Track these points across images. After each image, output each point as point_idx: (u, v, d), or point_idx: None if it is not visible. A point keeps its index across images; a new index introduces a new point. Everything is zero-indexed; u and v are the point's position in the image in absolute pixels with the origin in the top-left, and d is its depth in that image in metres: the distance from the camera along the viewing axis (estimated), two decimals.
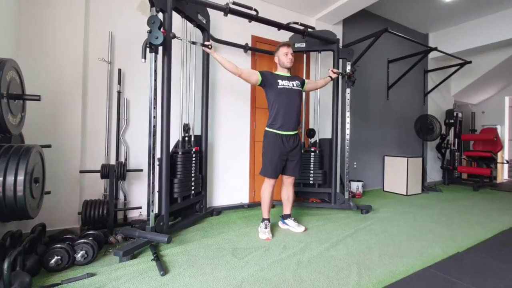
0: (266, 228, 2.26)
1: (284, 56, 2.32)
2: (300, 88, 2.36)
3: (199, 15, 2.48)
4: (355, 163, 4.26)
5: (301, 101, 2.36)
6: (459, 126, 5.41)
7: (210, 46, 2.16)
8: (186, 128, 2.43)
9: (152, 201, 1.97)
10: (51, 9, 2.16)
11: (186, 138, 2.48)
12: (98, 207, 2.10)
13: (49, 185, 2.06)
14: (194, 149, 2.49)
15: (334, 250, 1.98)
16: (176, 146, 2.39)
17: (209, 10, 2.62)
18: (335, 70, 2.76)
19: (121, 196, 2.51)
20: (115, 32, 2.45)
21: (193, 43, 2.20)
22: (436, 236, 2.33)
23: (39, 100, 1.59)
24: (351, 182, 4.01)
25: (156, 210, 2.09)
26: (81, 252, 1.67)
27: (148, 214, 1.97)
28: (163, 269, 1.61)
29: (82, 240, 1.72)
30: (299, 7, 3.47)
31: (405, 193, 4.15)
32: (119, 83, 2.42)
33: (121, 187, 2.49)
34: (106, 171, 2.16)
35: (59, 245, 1.63)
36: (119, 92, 2.43)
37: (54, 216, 2.15)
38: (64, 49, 2.21)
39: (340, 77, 3.11)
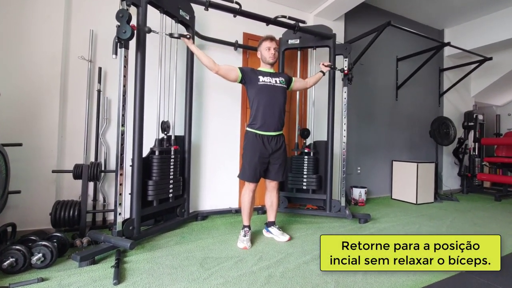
0: (245, 236, 2.10)
1: (266, 51, 2.16)
2: (284, 85, 2.18)
3: (181, 10, 2.38)
4: (358, 168, 3.97)
5: (285, 99, 2.17)
6: (479, 130, 4.94)
7: (188, 36, 2.08)
8: (164, 126, 2.32)
9: (120, 204, 1.88)
10: (30, 6, 2.16)
11: (165, 137, 2.37)
12: (69, 208, 2.03)
13: (22, 185, 2.03)
14: (173, 148, 2.36)
15: (314, 264, 1.78)
16: (153, 146, 2.29)
17: (194, 6, 2.51)
18: (326, 63, 2.52)
19: (100, 197, 2.45)
20: (96, 30, 2.41)
21: (171, 35, 2.09)
22: None
23: None
24: (354, 189, 3.73)
25: (126, 213, 1.99)
26: (38, 255, 1.59)
27: (115, 218, 1.87)
28: (118, 277, 1.50)
29: (41, 243, 1.64)
30: (294, 2, 3.29)
31: (414, 202, 3.81)
32: (99, 82, 2.37)
33: (100, 189, 2.43)
34: (79, 172, 2.10)
35: (15, 247, 1.56)
36: (99, 91, 2.37)
37: (27, 216, 2.12)
38: (42, 47, 2.19)
39: (336, 73, 2.91)
